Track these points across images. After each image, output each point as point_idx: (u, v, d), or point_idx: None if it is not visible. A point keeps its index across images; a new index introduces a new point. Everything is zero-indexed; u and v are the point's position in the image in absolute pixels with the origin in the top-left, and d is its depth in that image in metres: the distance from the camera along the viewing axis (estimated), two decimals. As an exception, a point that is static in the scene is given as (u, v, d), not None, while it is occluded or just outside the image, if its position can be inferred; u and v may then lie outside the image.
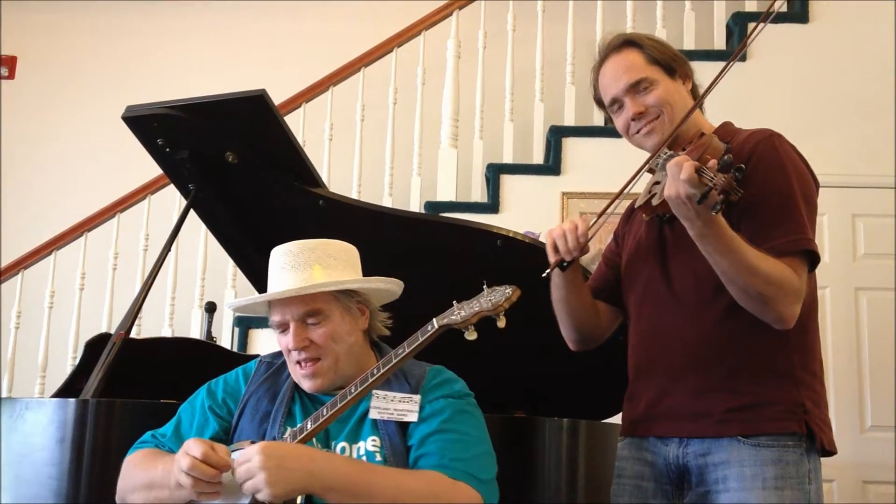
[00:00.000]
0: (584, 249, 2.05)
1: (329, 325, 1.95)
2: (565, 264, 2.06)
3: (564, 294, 2.20)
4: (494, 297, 1.74)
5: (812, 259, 1.97)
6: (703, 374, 2.02)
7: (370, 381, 1.79)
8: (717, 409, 1.98)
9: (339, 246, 2.03)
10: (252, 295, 2.13)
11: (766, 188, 1.95)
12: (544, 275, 2.07)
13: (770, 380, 1.98)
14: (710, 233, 1.83)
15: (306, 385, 1.95)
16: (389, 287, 2.04)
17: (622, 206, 2.17)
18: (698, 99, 2.14)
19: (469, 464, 1.84)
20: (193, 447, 1.74)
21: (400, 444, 1.86)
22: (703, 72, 2.27)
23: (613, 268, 2.33)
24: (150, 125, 2.67)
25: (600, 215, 2.06)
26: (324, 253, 1.99)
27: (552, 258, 2.06)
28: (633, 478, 2.14)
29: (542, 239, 2.45)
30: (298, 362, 1.95)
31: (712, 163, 1.75)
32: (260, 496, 1.68)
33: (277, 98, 2.96)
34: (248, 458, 1.69)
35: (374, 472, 1.77)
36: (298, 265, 1.96)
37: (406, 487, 1.75)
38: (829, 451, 2.02)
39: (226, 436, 1.98)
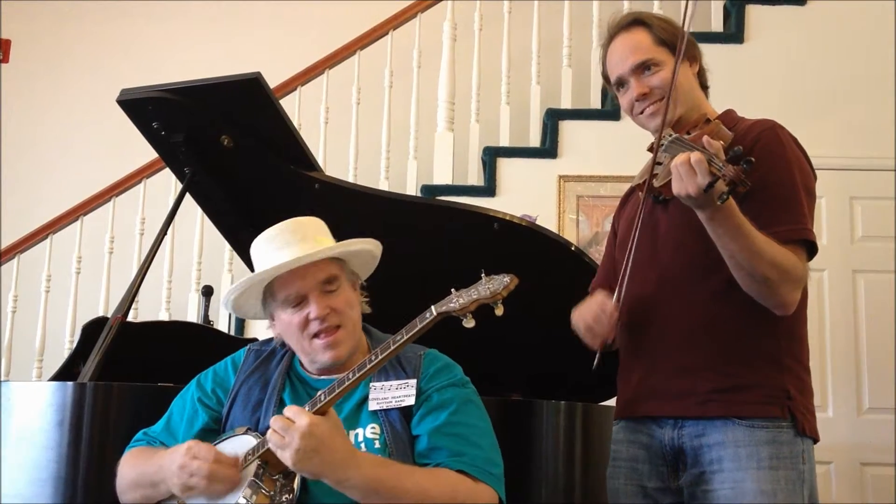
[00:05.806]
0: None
1: (344, 291, 1.97)
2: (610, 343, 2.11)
3: None
4: (492, 286, 1.74)
5: (810, 250, 1.99)
6: (690, 353, 2.03)
7: (368, 367, 1.77)
8: (701, 389, 2.00)
9: (317, 220, 2.05)
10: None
11: (769, 178, 1.95)
12: (594, 367, 2.09)
13: (757, 363, 2.00)
14: (720, 216, 1.84)
15: (328, 356, 1.92)
16: (376, 253, 2.06)
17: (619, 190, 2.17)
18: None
19: (486, 461, 1.85)
20: (204, 452, 1.78)
21: (402, 431, 1.86)
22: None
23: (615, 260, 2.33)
24: (145, 108, 2.67)
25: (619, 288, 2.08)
26: (315, 226, 2.02)
27: (596, 345, 2.09)
28: (628, 460, 2.15)
29: (538, 223, 2.44)
30: (317, 334, 1.92)
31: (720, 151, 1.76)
32: (279, 455, 1.70)
33: (273, 81, 2.94)
34: (292, 423, 1.68)
35: (398, 477, 1.76)
36: (299, 240, 1.95)
37: (430, 492, 1.76)
38: (812, 438, 2.03)
39: (217, 426, 1.99)
